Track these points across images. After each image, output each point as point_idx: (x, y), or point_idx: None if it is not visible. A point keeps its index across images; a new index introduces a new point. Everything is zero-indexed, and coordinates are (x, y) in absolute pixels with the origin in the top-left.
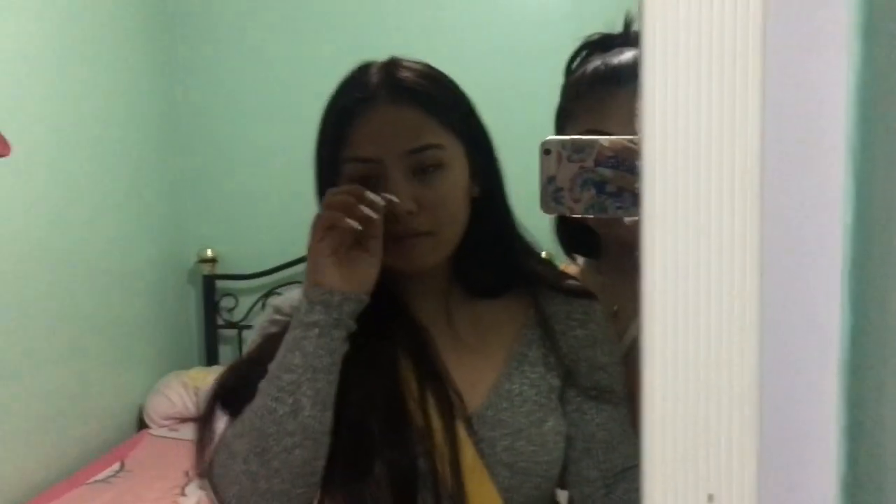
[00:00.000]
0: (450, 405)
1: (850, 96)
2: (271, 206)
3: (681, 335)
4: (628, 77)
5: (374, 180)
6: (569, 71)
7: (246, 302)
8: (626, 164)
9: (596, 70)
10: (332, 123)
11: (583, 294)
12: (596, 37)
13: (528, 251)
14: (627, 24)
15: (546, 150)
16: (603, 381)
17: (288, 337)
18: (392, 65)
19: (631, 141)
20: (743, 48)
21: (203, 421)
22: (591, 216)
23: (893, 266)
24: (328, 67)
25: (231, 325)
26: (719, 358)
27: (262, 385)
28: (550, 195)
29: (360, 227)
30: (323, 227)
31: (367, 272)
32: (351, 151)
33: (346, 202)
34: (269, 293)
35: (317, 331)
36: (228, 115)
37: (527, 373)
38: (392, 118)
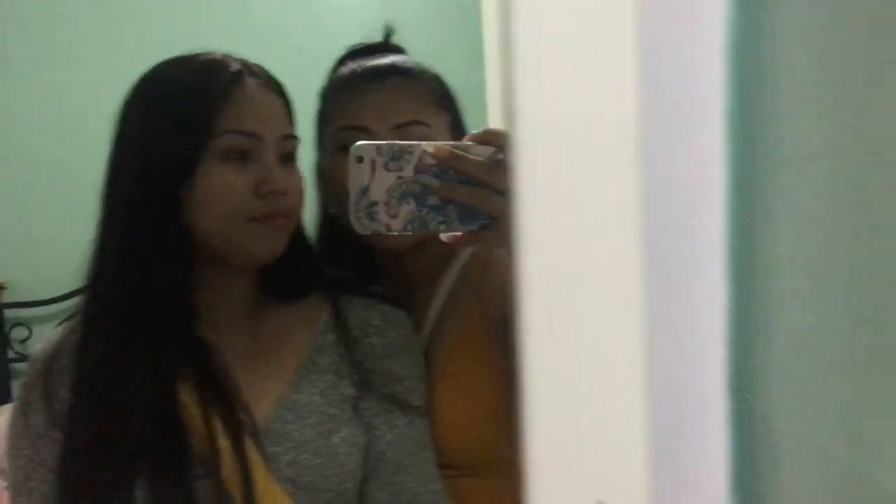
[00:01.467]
0: (236, 421)
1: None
2: (64, 224)
3: (559, 331)
4: (383, 74)
5: (248, 157)
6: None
7: (41, 331)
8: (450, 172)
9: (352, 72)
10: (202, 98)
11: (386, 300)
12: (357, 46)
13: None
14: (387, 34)
15: (358, 157)
16: (398, 395)
17: None
18: (242, 61)
19: (458, 146)
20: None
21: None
22: (411, 234)
23: (778, 234)
24: (121, 82)
25: (24, 357)
26: (601, 354)
27: None
28: (364, 210)
29: None
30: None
31: None
32: (230, 124)
33: None
34: (68, 320)
35: None
36: (10, 131)
37: (315, 381)
38: (268, 99)
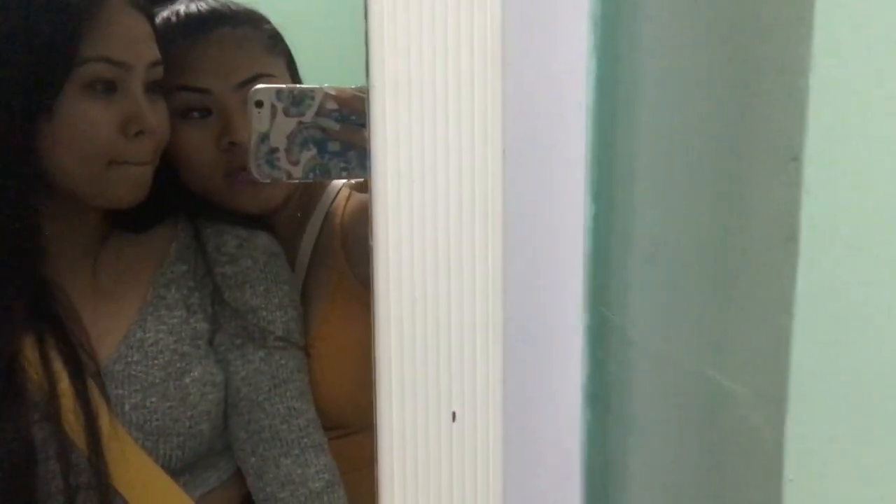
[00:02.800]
0: (77, 361)
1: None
2: None
3: (416, 243)
4: (208, 25)
5: (114, 89)
6: None
7: None
8: (352, 117)
9: (167, 20)
10: (63, 16)
11: (245, 223)
12: None
13: None
14: None
15: (257, 101)
16: (251, 327)
17: None
18: None
19: (360, 89)
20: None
21: None
22: (312, 181)
23: (635, 147)
24: None
25: None
26: (460, 266)
27: None
28: (264, 157)
29: None
30: None
31: None
32: (96, 49)
33: None
34: None
35: None
36: None
37: (164, 318)
38: (135, 20)
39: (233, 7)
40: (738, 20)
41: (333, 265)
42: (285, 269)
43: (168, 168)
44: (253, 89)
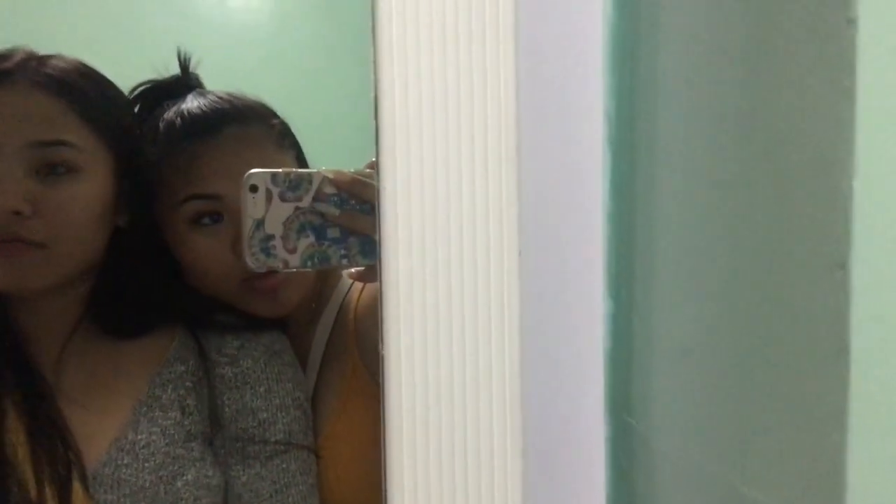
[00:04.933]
0: (66, 465)
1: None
2: None
3: (430, 350)
4: (214, 126)
5: None
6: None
7: None
8: (352, 201)
9: (170, 124)
10: None
11: (243, 326)
12: (147, 86)
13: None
14: (185, 65)
15: (251, 186)
16: (251, 430)
17: None
18: (38, 55)
19: (360, 173)
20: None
21: None
22: (310, 269)
23: (656, 243)
24: None
25: None
26: (476, 376)
27: None
28: (258, 245)
29: None
30: None
31: None
32: None
33: None
34: None
35: None
36: None
37: (157, 419)
38: (19, 101)
39: (238, 103)
40: (773, 110)
41: (347, 360)
42: (289, 367)
43: (162, 274)
44: (247, 174)
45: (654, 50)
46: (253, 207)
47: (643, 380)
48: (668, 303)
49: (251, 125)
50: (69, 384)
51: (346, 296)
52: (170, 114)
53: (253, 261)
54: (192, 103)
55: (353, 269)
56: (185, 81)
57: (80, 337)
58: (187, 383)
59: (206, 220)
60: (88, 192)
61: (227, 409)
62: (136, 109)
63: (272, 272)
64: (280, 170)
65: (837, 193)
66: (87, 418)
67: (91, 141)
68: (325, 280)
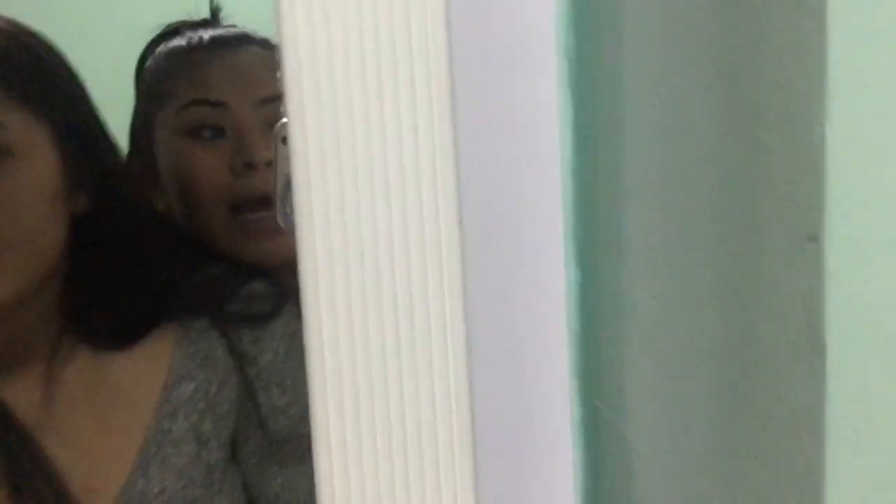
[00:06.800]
0: None
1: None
2: None
3: (358, 337)
4: (235, 43)
5: None
6: (146, 57)
7: None
8: None
9: (190, 41)
10: None
11: (255, 316)
12: (179, 23)
13: (191, 264)
14: (215, 11)
15: (285, 137)
16: (284, 429)
17: None
18: None
19: None
20: None
21: None
22: None
23: (623, 214)
24: None
25: None
26: (413, 345)
27: None
28: (291, 203)
29: None
30: None
31: None
32: None
33: None
34: None
35: None
36: None
37: (170, 459)
38: None
39: (265, 36)
40: (744, 71)
41: None
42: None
43: (143, 268)
44: (280, 123)
45: None
46: (286, 161)
47: (613, 362)
48: (638, 275)
49: (273, 50)
50: (61, 421)
51: None
52: (194, 35)
53: (285, 221)
54: (217, 30)
55: None
56: (214, 25)
57: (63, 358)
58: (200, 405)
59: (207, 133)
60: (26, 179)
61: (253, 418)
62: (160, 41)
63: (265, 210)
64: None
65: (808, 143)
66: (87, 465)
67: (20, 116)
68: None
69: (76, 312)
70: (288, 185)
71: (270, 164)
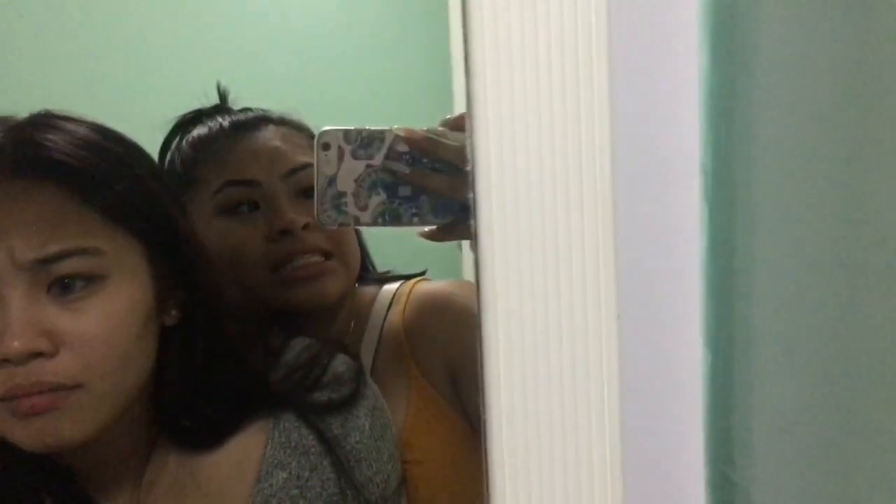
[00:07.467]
0: None
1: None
2: None
3: (530, 420)
4: (252, 125)
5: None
6: (166, 148)
7: None
8: (424, 160)
9: (210, 129)
10: None
11: (341, 402)
12: (194, 112)
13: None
14: (223, 96)
15: (324, 144)
16: (372, 497)
17: None
18: (34, 124)
19: (432, 132)
20: (586, 54)
21: None
22: (381, 226)
23: (756, 297)
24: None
25: None
26: (575, 416)
27: None
28: (330, 202)
29: None
30: None
31: None
32: None
33: None
34: None
35: None
36: None
37: None
38: (13, 206)
39: (277, 113)
40: (873, 169)
41: (404, 379)
42: (385, 414)
43: (230, 365)
44: (321, 131)
45: (751, 103)
46: (325, 164)
47: (744, 437)
48: (768, 367)
49: (286, 126)
50: None
51: (387, 313)
52: (213, 123)
53: (324, 217)
54: (235, 115)
55: (425, 228)
56: (226, 108)
57: (156, 467)
58: (293, 491)
59: (244, 209)
60: (122, 302)
61: (348, 495)
62: (178, 131)
63: (301, 258)
64: (352, 127)
65: None
66: None
67: (113, 237)
68: (360, 300)
69: (166, 419)
70: (326, 184)
71: (306, 227)
